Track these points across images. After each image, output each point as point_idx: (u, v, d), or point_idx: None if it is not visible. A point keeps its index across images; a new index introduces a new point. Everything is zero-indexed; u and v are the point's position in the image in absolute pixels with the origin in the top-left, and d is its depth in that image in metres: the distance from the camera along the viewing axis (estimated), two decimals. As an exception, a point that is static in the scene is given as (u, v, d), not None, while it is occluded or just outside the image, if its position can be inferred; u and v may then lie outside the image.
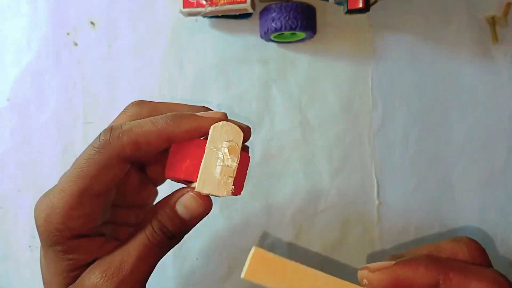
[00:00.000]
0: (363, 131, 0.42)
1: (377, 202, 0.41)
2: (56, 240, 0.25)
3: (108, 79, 0.43)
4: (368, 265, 0.27)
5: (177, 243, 0.27)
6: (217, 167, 0.25)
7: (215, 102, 0.42)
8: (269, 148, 0.42)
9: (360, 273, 0.27)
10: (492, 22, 0.41)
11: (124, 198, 0.30)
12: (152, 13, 0.44)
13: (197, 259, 0.42)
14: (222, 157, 0.25)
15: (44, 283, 0.27)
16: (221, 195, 0.25)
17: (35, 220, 0.26)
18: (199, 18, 0.43)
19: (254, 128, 0.42)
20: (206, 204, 0.26)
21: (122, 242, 0.26)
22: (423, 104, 0.42)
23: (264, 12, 0.39)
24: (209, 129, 0.25)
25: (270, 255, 0.24)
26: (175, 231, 0.26)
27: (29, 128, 0.44)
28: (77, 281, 0.26)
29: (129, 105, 0.28)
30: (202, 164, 0.25)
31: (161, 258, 0.27)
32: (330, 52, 0.42)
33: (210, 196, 0.25)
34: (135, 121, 0.26)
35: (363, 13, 0.37)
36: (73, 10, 0.44)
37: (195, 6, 0.38)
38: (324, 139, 0.42)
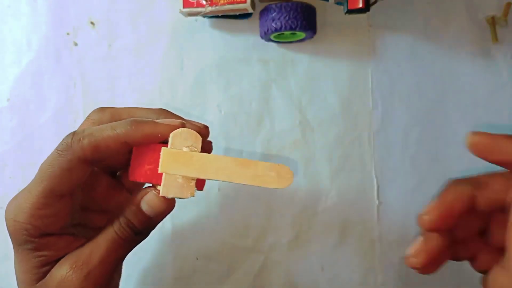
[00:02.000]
0: (363, 131, 0.42)
1: (377, 202, 0.41)
2: (25, 239, 0.27)
3: (108, 79, 0.43)
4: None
5: (144, 238, 0.29)
6: (182, 175, 0.26)
7: (215, 102, 0.42)
8: (269, 148, 0.42)
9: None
10: (492, 22, 0.41)
11: (94, 202, 0.31)
12: (152, 13, 0.44)
13: (197, 259, 0.42)
14: (186, 163, 0.26)
15: (17, 283, 0.29)
16: (185, 197, 0.26)
17: (5, 221, 0.27)
18: (199, 18, 0.43)
19: (254, 128, 0.42)
20: (167, 202, 0.27)
21: (91, 237, 0.28)
22: (423, 104, 0.42)
23: (264, 12, 0.39)
24: (167, 134, 0.26)
25: (176, 151, 0.26)
26: (140, 227, 0.28)
27: (29, 128, 0.44)
28: (47, 275, 0.27)
29: (92, 111, 0.30)
30: (162, 168, 0.26)
31: (128, 252, 0.29)
32: (330, 52, 0.42)
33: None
34: (96, 126, 0.27)
35: (363, 13, 0.37)
36: (73, 10, 0.44)
37: (195, 6, 0.38)
38: (324, 139, 0.42)
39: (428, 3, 0.42)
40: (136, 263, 0.42)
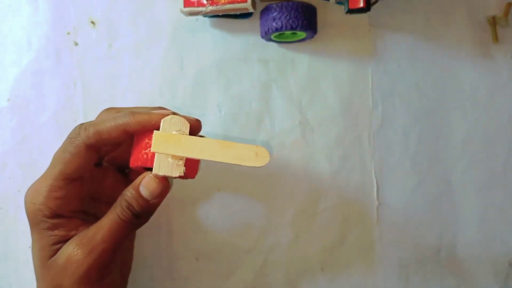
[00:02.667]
0: (363, 131, 0.42)
1: (376, 202, 0.41)
2: (40, 219, 0.31)
3: (109, 78, 0.43)
4: None
5: (144, 222, 0.32)
6: (172, 154, 0.29)
7: (215, 102, 0.42)
8: (269, 148, 0.42)
9: None
10: (492, 22, 0.41)
11: (103, 194, 0.35)
12: (153, 13, 0.44)
13: (197, 259, 0.42)
14: (177, 143, 0.29)
15: (33, 259, 0.32)
16: (175, 176, 0.29)
17: (24, 204, 0.32)
18: (200, 17, 0.43)
19: (254, 128, 0.42)
20: (163, 183, 0.31)
21: (97, 220, 0.32)
22: (423, 104, 0.42)
23: (264, 11, 0.39)
24: (159, 122, 0.30)
25: (166, 133, 0.29)
26: (140, 210, 0.31)
27: (29, 128, 0.44)
28: (57, 253, 0.31)
29: (101, 112, 0.35)
30: (154, 147, 0.29)
31: (129, 233, 0.32)
32: (330, 52, 0.42)
33: (168, 178, 0.31)
34: (101, 119, 0.32)
35: (364, 13, 0.37)
36: (74, 10, 0.44)
37: (196, 5, 0.38)
38: (324, 139, 0.42)
39: (428, 3, 0.42)
40: (136, 263, 0.42)
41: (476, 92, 0.41)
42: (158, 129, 0.30)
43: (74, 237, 0.31)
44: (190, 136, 0.30)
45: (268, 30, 0.39)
